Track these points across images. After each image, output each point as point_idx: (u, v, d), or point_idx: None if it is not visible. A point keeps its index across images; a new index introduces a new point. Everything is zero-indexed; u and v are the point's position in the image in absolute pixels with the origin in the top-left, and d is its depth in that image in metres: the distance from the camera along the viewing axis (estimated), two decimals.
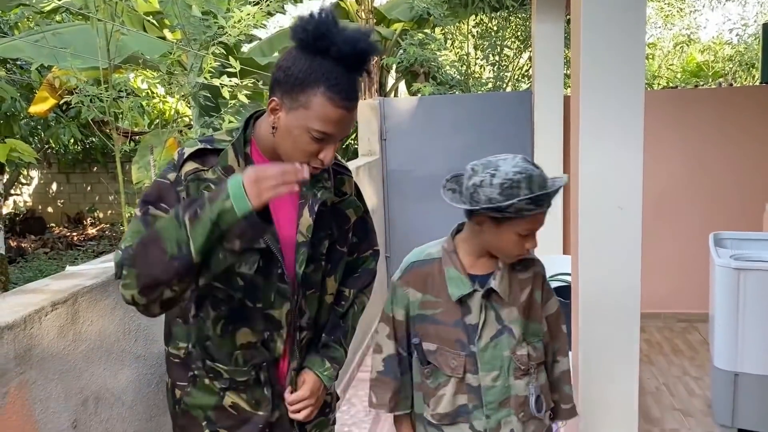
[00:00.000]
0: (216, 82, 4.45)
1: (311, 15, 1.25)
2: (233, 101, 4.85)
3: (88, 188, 10.91)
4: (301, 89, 1.25)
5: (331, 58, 1.25)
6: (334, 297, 1.58)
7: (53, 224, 10.74)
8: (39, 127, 8.80)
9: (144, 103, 8.14)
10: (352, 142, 9.98)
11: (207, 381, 1.45)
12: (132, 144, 6.96)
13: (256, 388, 1.46)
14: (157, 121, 8.79)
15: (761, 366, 3.17)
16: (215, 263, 1.21)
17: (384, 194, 5.26)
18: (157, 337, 1.70)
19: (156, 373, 1.76)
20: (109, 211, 10.79)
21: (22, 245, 9.18)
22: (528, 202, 1.42)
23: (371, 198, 4.83)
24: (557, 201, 2.39)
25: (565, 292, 3.15)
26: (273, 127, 1.31)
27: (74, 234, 10.20)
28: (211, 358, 1.44)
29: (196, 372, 1.45)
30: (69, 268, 1.62)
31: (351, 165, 4.41)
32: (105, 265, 1.64)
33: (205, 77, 4.20)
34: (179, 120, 8.59)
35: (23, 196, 10.99)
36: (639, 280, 2.27)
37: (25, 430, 1.28)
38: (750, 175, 4.55)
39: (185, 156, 1.35)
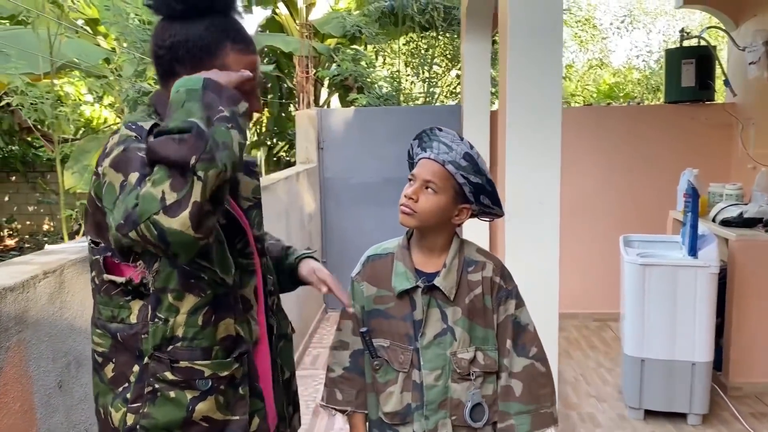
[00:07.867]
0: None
1: None
2: None
3: (6, 198, 10.56)
4: (208, 56, 1.24)
5: (218, 12, 1.27)
6: None
7: None
8: None
9: (69, 111, 8.01)
10: (283, 154, 10.12)
11: (173, 393, 1.24)
12: (62, 151, 6.85)
13: (229, 389, 1.27)
14: (83, 129, 8.65)
15: (664, 351, 3.54)
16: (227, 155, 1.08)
17: (321, 200, 5.45)
18: None
19: None
20: (28, 222, 10.48)
21: None
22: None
23: (309, 204, 5.02)
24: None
25: None
26: None
27: None
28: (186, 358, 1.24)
29: (156, 386, 1.23)
30: (48, 247, 1.74)
31: (289, 172, 4.60)
32: (82, 245, 1.77)
33: (148, 83, 4.30)
34: (107, 128, 8.49)
35: None
36: (557, 263, 2.57)
37: (21, 383, 1.40)
38: (655, 184, 5.02)
39: (149, 129, 1.19)
